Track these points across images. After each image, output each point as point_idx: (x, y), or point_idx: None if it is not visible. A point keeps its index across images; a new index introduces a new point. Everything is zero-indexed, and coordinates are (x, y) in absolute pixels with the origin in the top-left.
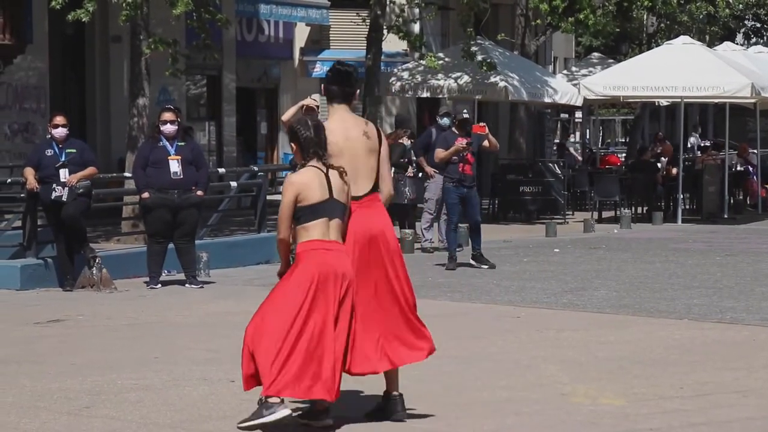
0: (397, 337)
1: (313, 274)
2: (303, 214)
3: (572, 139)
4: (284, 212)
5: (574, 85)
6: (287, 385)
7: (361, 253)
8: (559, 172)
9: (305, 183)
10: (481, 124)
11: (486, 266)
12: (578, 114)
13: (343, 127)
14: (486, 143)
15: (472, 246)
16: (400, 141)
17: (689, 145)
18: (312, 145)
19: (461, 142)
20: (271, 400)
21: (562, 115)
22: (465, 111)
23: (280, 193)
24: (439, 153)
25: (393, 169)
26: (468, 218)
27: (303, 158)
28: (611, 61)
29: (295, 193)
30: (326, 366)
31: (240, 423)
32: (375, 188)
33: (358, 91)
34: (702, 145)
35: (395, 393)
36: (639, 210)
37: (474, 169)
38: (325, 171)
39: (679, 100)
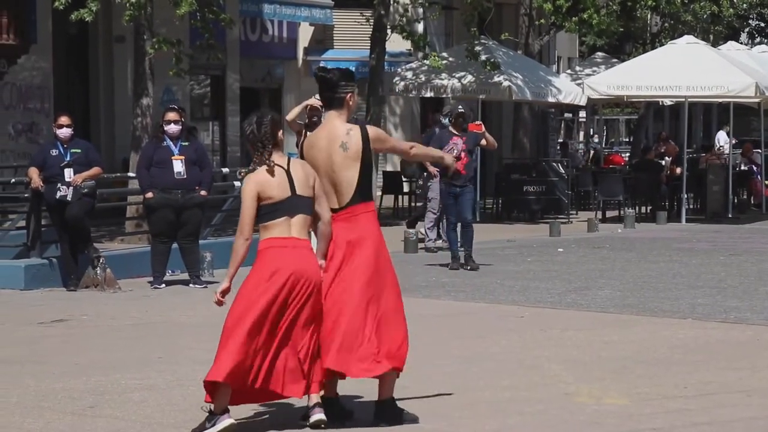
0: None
1: (267, 273)
2: (264, 212)
3: (578, 139)
4: (245, 209)
5: (578, 84)
6: (227, 372)
7: (343, 258)
8: (563, 171)
9: (262, 182)
10: (477, 122)
11: (468, 268)
12: (582, 113)
13: (320, 137)
14: (483, 142)
15: (462, 246)
16: None
17: (717, 142)
18: (256, 141)
19: (456, 142)
20: (215, 409)
21: (566, 115)
22: (460, 106)
23: None
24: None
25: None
26: (457, 216)
27: (254, 156)
28: (615, 60)
29: (254, 192)
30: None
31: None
32: (354, 200)
33: (348, 94)
34: (733, 142)
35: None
36: (643, 209)
37: (470, 168)
38: (285, 167)
39: (683, 99)
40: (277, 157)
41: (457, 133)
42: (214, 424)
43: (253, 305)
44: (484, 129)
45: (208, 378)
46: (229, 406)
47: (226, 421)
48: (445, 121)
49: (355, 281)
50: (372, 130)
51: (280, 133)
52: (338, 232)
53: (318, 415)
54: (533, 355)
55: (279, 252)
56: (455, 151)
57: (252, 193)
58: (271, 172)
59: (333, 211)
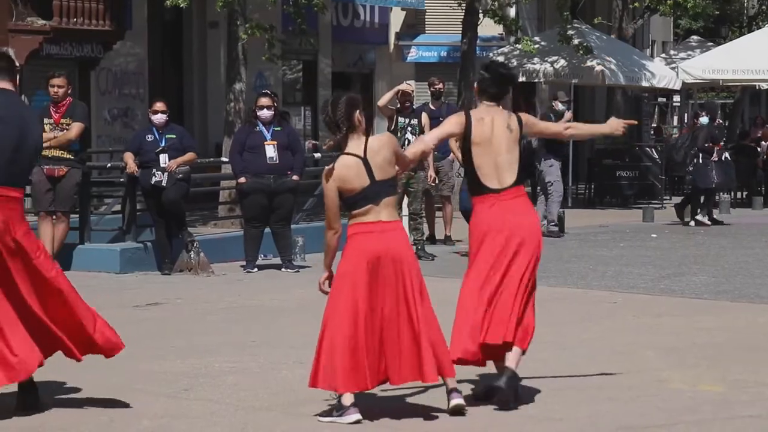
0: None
1: (354, 261)
2: (348, 203)
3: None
4: (329, 204)
5: (673, 68)
6: (338, 378)
7: (492, 245)
8: (657, 156)
9: (341, 176)
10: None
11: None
12: (676, 98)
13: (486, 119)
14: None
15: None
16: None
17: None
18: (331, 123)
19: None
20: (344, 401)
21: (660, 99)
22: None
23: None
24: None
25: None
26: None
27: (334, 141)
28: (710, 44)
29: (334, 187)
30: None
31: (319, 415)
32: (519, 181)
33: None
34: None
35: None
36: (738, 195)
37: None
38: (362, 154)
39: None
40: (354, 143)
41: None
42: (341, 415)
43: (344, 300)
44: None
45: (322, 387)
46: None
47: (353, 416)
48: (563, 107)
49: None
50: (524, 115)
51: (356, 114)
52: (499, 213)
53: (456, 400)
54: (626, 342)
55: (365, 237)
56: None
57: (332, 188)
58: (347, 163)
59: (495, 191)
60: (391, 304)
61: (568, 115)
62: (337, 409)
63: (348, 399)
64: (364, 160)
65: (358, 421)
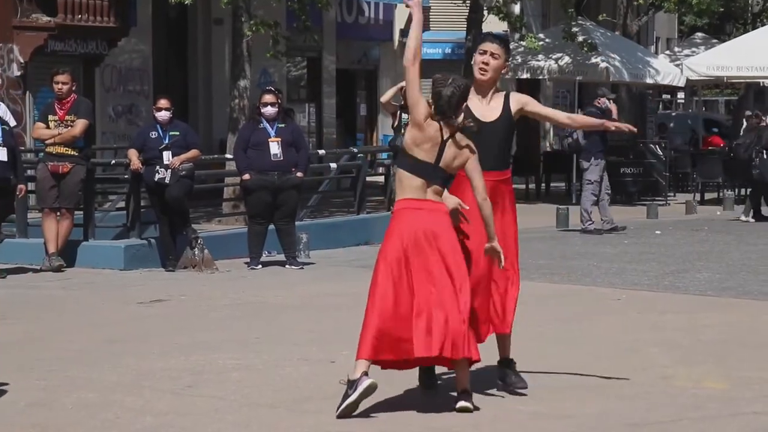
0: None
1: (397, 240)
2: (404, 162)
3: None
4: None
5: (677, 65)
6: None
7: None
8: (661, 153)
9: (420, 136)
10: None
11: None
12: (680, 95)
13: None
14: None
15: None
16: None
17: None
18: (438, 101)
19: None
20: (352, 377)
21: (664, 96)
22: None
23: (379, 174)
24: None
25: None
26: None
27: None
28: (715, 41)
29: (413, 132)
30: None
31: (337, 412)
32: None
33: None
34: None
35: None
36: (742, 192)
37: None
38: (445, 137)
39: None
40: (448, 127)
41: None
42: (355, 389)
43: (379, 273)
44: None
45: (357, 357)
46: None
47: (365, 382)
48: (607, 104)
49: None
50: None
51: (463, 105)
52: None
53: (461, 403)
54: (631, 338)
55: (406, 214)
56: None
57: (411, 129)
58: (441, 139)
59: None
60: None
61: (614, 111)
62: (350, 388)
63: (359, 370)
64: (443, 142)
65: (371, 386)
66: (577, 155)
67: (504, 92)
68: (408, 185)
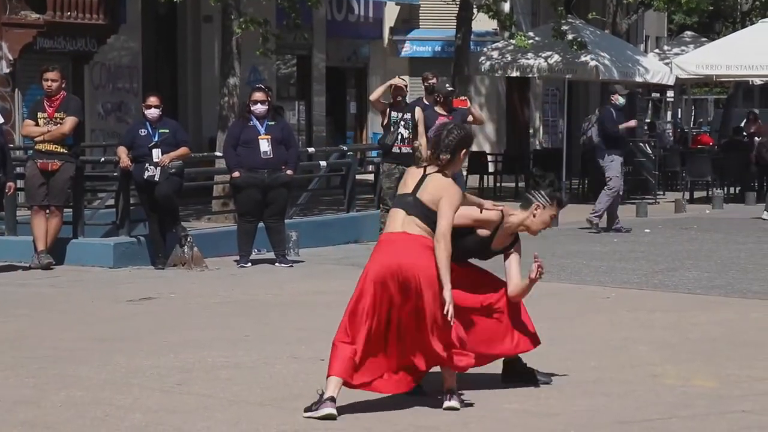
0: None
1: (367, 272)
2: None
3: (665, 119)
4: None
5: (666, 64)
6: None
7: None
8: (650, 151)
9: (407, 173)
10: (462, 97)
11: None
12: (670, 93)
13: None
14: (470, 118)
15: None
16: None
17: None
18: (437, 144)
19: (442, 121)
20: (324, 394)
21: (654, 95)
22: (447, 84)
23: (369, 172)
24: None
25: None
26: None
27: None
28: (704, 39)
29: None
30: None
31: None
32: None
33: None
34: None
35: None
36: (731, 190)
37: None
38: (423, 172)
39: None
40: (431, 168)
41: (443, 112)
42: (316, 410)
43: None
44: (470, 104)
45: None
46: (335, 396)
47: (325, 410)
48: (622, 100)
49: None
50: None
51: (461, 153)
52: None
53: (447, 403)
54: (620, 337)
55: (378, 245)
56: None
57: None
58: (422, 173)
59: None
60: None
61: (633, 123)
62: (316, 402)
63: (329, 390)
64: (423, 176)
65: (329, 416)
66: (594, 154)
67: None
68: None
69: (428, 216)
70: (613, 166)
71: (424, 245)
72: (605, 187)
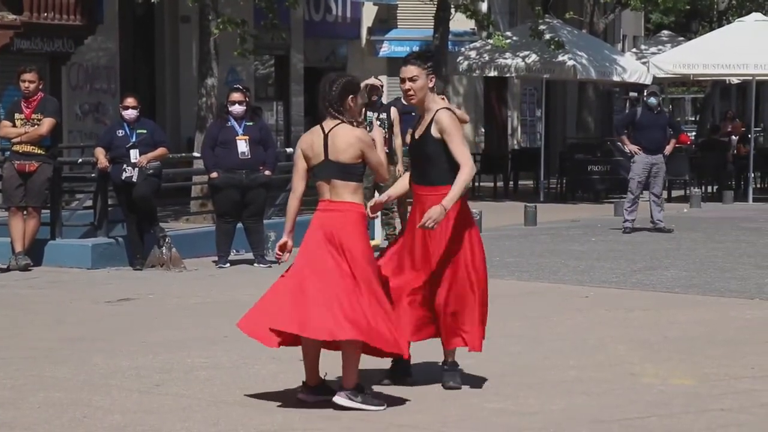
0: None
1: (307, 239)
2: (311, 175)
3: None
4: (294, 170)
5: (644, 63)
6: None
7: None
8: (627, 150)
9: (303, 147)
10: (441, 97)
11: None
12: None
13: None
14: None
15: None
16: None
17: None
18: (323, 100)
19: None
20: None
21: (631, 94)
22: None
23: None
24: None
25: None
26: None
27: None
28: (681, 38)
29: (299, 151)
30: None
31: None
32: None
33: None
34: None
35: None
36: (709, 189)
37: None
38: (325, 132)
39: (751, 78)
40: (328, 122)
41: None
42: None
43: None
44: (449, 103)
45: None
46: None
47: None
48: (650, 101)
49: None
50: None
51: (349, 99)
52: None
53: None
54: (598, 336)
55: (315, 215)
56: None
57: (298, 151)
58: (322, 134)
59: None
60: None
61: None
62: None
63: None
64: (325, 137)
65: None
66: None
67: (439, 108)
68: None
69: (346, 172)
70: (632, 166)
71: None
72: (628, 190)
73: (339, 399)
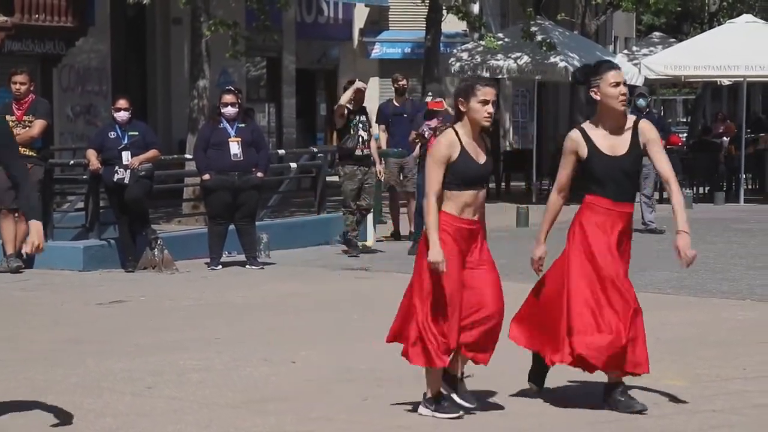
0: None
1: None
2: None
3: None
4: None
5: (635, 64)
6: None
7: None
8: None
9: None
10: (437, 99)
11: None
12: None
13: None
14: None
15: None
16: None
17: None
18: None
19: (428, 125)
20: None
21: None
22: (429, 94)
23: (339, 175)
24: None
25: None
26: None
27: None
28: (673, 40)
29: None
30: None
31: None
32: None
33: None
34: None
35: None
36: (701, 190)
37: None
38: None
39: (742, 79)
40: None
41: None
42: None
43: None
44: (445, 106)
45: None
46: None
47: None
48: (640, 101)
49: None
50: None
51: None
52: None
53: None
54: None
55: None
56: (426, 133)
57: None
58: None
59: None
60: None
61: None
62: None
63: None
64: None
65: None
66: None
67: (637, 120)
68: None
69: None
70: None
71: None
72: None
73: (420, 408)
